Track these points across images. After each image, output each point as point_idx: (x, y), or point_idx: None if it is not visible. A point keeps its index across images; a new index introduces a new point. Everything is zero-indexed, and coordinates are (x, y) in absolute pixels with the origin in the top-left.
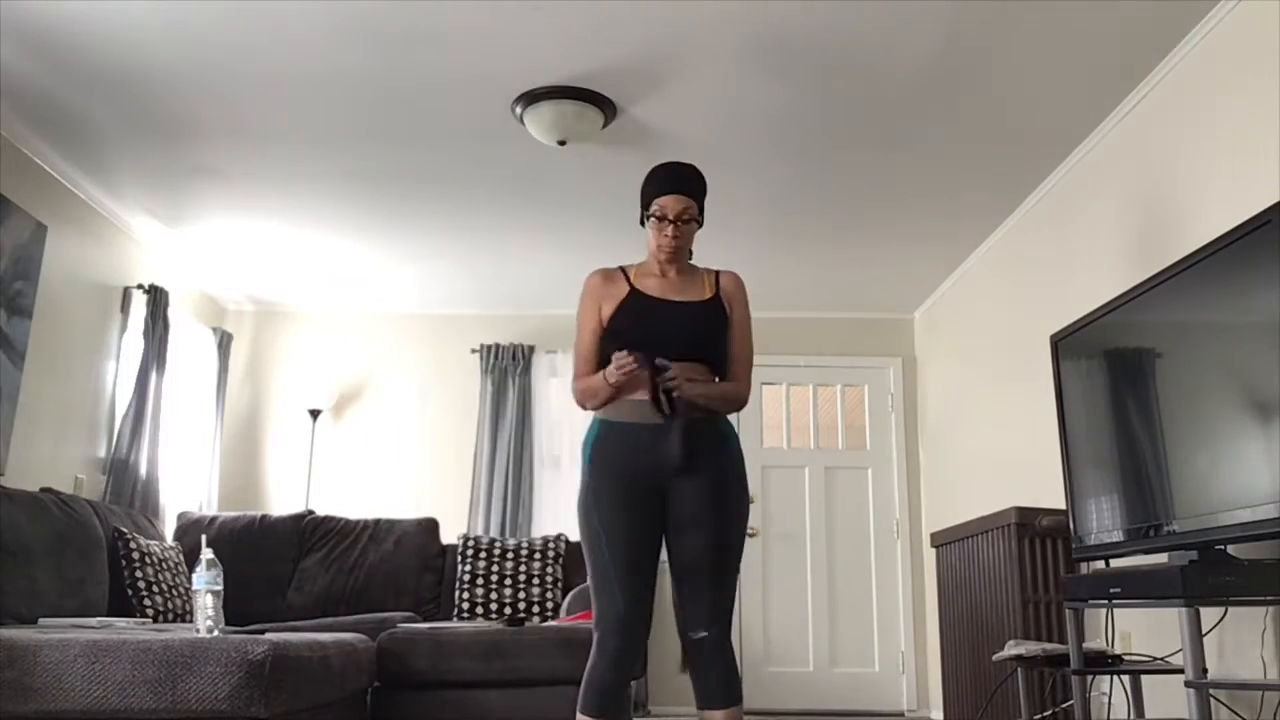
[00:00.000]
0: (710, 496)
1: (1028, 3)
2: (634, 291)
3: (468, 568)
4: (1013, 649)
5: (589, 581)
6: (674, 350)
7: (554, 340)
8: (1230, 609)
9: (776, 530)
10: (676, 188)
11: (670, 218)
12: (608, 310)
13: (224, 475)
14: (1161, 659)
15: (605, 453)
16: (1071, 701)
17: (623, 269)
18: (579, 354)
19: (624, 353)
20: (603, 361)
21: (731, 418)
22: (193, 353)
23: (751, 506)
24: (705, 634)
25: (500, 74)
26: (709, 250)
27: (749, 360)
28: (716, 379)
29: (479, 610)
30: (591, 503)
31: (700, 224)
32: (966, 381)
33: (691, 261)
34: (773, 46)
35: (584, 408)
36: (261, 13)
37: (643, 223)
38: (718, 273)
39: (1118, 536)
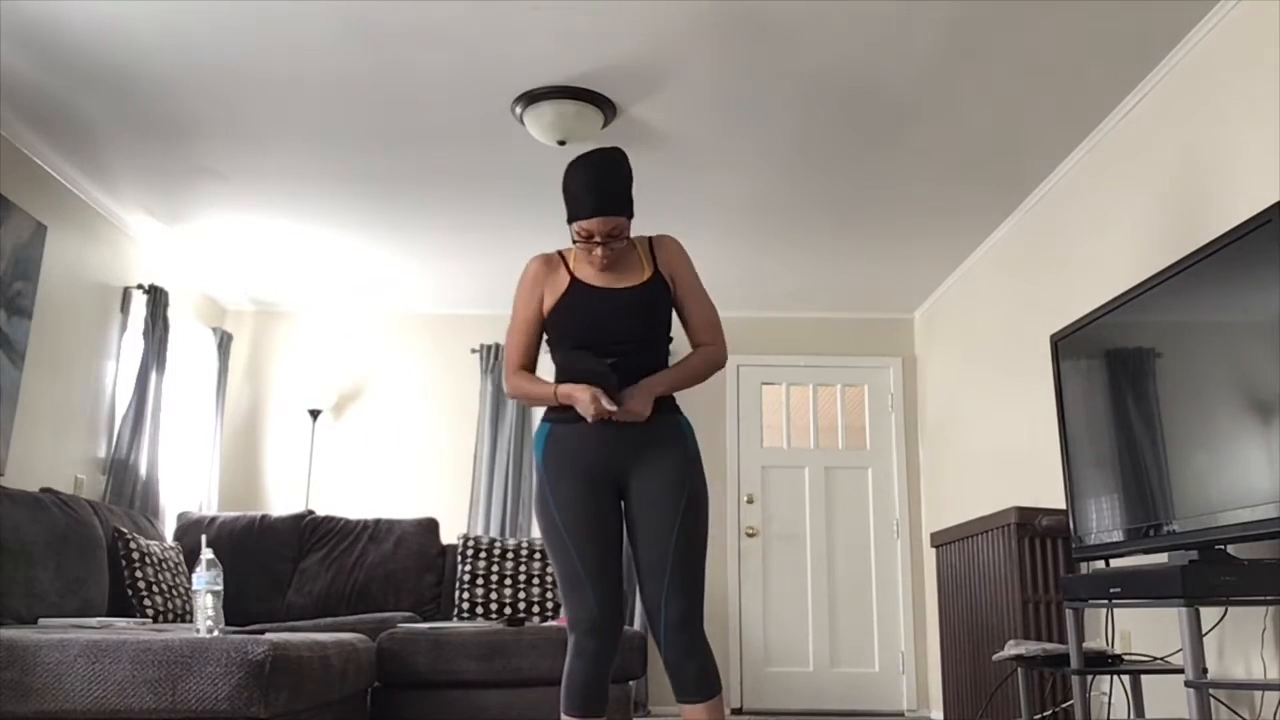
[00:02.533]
0: (669, 491)
1: (1028, 2)
2: (574, 281)
3: (468, 568)
4: (1013, 649)
5: (559, 584)
6: (619, 340)
7: None
8: (1230, 609)
9: (776, 530)
10: (599, 209)
11: (598, 238)
12: (549, 301)
13: (224, 475)
14: (1161, 659)
15: (558, 453)
16: (1071, 701)
17: (560, 253)
18: (511, 343)
19: (599, 395)
20: (536, 349)
21: (731, 418)
22: (193, 353)
23: (751, 506)
24: (677, 631)
25: (500, 74)
26: (710, 251)
27: (715, 320)
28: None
29: (479, 610)
30: (551, 505)
31: (630, 220)
32: (966, 381)
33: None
34: (773, 47)
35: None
36: (261, 13)
37: (570, 221)
38: (651, 241)
39: (1118, 536)
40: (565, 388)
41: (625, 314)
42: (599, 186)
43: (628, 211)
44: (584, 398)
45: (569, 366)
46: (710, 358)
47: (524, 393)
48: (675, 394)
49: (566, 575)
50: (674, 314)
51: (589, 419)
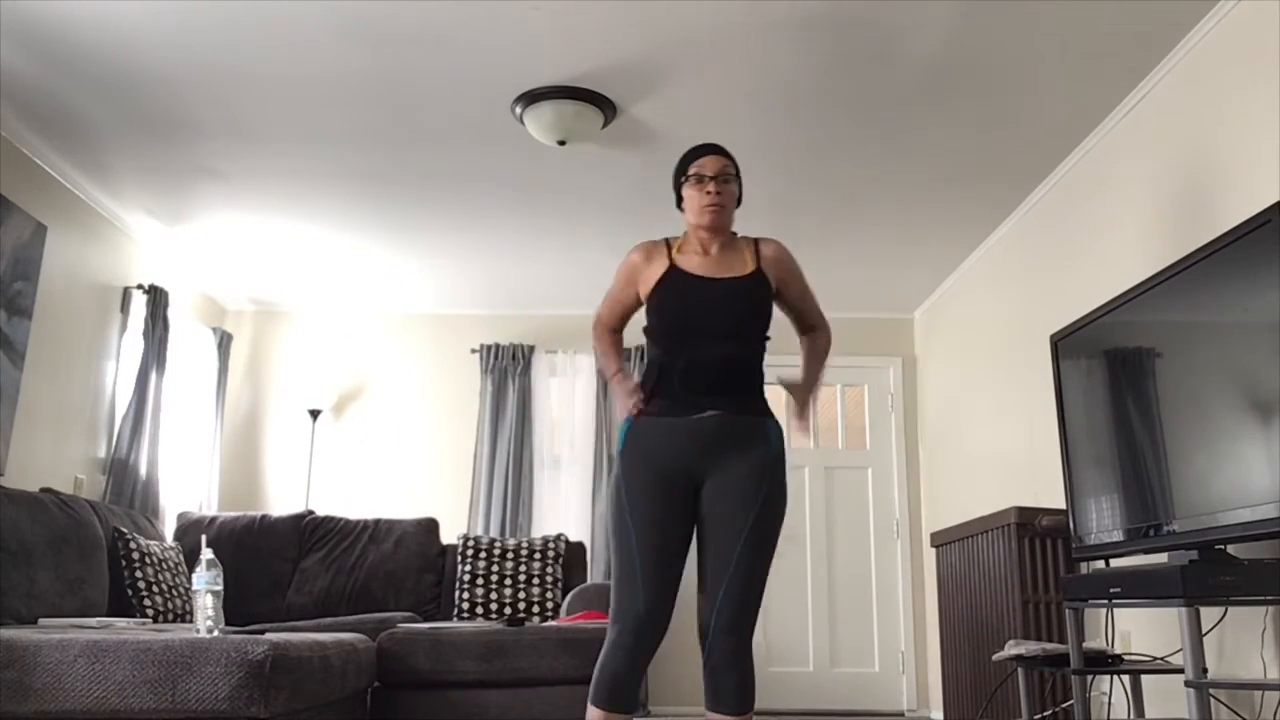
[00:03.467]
0: (746, 493)
1: (1029, 1)
2: (673, 267)
3: (468, 568)
4: (1013, 649)
5: (613, 573)
6: (714, 331)
7: (554, 340)
8: (1230, 609)
9: None
10: (710, 151)
11: (709, 174)
12: (646, 289)
13: (224, 475)
14: (1161, 659)
15: (637, 446)
16: (1071, 701)
17: (667, 241)
18: (607, 301)
19: (633, 401)
20: (625, 320)
21: None
22: (193, 353)
23: None
24: (725, 634)
25: (500, 74)
26: None
27: (818, 305)
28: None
29: (479, 610)
30: (623, 495)
31: (740, 187)
32: (966, 381)
33: (733, 230)
34: (772, 46)
35: None
36: (261, 13)
37: (679, 205)
38: (757, 241)
39: (1118, 536)
40: (617, 377)
41: (724, 303)
42: (706, 144)
43: (735, 165)
44: (621, 396)
45: (653, 364)
46: (828, 338)
47: (599, 350)
48: (765, 394)
49: (623, 568)
50: (773, 312)
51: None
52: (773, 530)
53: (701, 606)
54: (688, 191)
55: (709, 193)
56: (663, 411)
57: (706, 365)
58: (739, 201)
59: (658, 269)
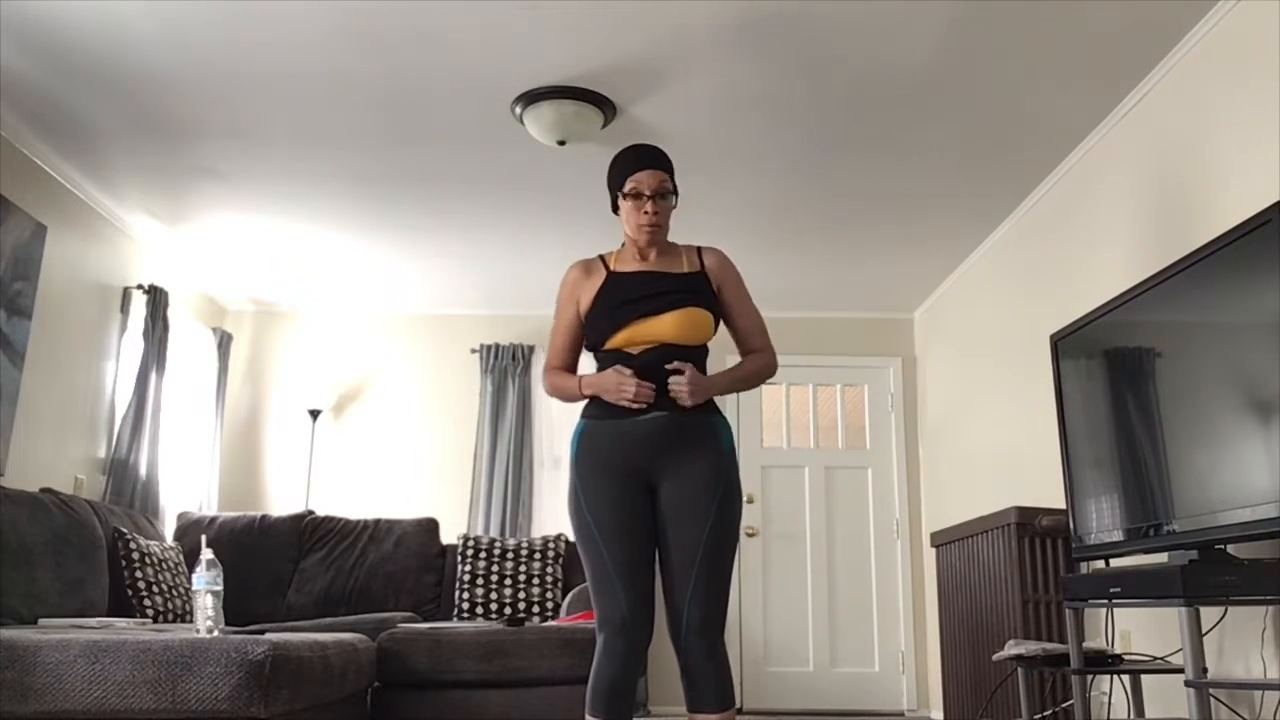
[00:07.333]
0: (702, 492)
1: (1029, 2)
2: (611, 274)
3: (468, 568)
4: (1013, 649)
5: (589, 583)
6: (661, 328)
7: None
8: (1230, 609)
9: (776, 530)
10: (647, 164)
11: (647, 193)
12: (586, 301)
13: (224, 475)
14: (1161, 659)
15: (591, 450)
16: (1071, 701)
17: (602, 257)
18: (552, 344)
19: (629, 376)
20: (576, 352)
21: (731, 418)
22: (193, 353)
23: (751, 506)
24: (698, 635)
25: (500, 74)
26: None
27: (763, 327)
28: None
29: (479, 610)
30: (583, 502)
31: (676, 197)
32: (966, 381)
33: (670, 240)
34: (772, 46)
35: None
36: (261, 13)
37: (615, 209)
38: (699, 249)
39: (1118, 536)
40: (589, 378)
41: (667, 297)
42: (646, 150)
43: (672, 174)
44: (609, 384)
45: (602, 369)
46: (766, 363)
47: (556, 388)
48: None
49: (597, 574)
50: (716, 325)
51: (628, 403)
52: (732, 528)
53: (670, 609)
54: (624, 204)
55: (646, 212)
56: (612, 414)
57: (649, 366)
58: (676, 197)
59: (597, 280)
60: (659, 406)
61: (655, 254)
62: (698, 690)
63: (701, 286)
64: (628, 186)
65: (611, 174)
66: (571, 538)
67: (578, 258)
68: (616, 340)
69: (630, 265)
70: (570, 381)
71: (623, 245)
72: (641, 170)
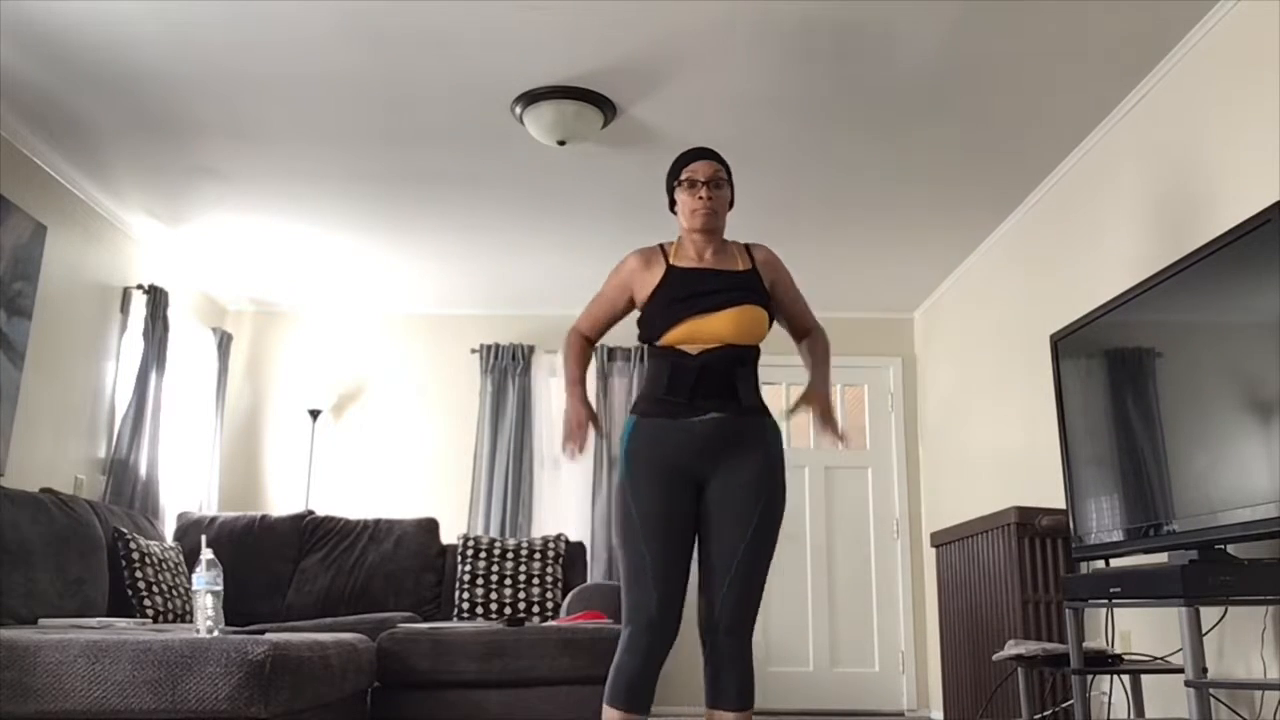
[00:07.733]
0: (748, 494)
1: (1028, 2)
2: (672, 268)
3: (468, 568)
4: (1013, 649)
5: (622, 575)
6: (720, 326)
7: (554, 340)
8: (1230, 609)
9: None
10: (703, 156)
11: (702, 179)
12: (643, 294)
13: (224, 475)
14: (1161, 659)
15: (642, 448)
16: (1071, 701)
17: (661, 246)
18: (589, 311)
19: (579, 431)
20: (606, 327)
21: None
22: (193, 353)
23: None
24: (727, 635)
25: (500, 74)
26: None
27: (810, 310)
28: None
29: (479, 610)
30: (629, 497)
31: (732, 192)
32: (966, 381)
33: (724, 237)
34: (772, 46)
35: None
36: (261, 13)
37: (672, 208)
38: (749, 246)
39: (1118, 536)
40: (572, 397)
41: (725, 293)
42: (699, 148)
43: (727, 170)
44: (569, 421)
45: (656, 369)
46: (826, 341)
47: (566, 358)
48: (761, 393)
49: (632, 568)
50: (770, 323)
51: (574, 445)
52: (773, 531)
53: (703, 605)
54: (680, 196)
55: (701, 197)
56: (664, 413)
57: (706, 367)
58: (731, 204)
59: (657, 272)
60: (714, 407)
61: (711, 252)
62: (721, 688)
63: (756, 284)
64: (683, 175)
65: (669, 174)
66: (573, 537)
67: (576, 256)
68: (673, 336)
69: (688, 261)
70: (573, 373)
71: (679, 239)
72: (697, 160)
